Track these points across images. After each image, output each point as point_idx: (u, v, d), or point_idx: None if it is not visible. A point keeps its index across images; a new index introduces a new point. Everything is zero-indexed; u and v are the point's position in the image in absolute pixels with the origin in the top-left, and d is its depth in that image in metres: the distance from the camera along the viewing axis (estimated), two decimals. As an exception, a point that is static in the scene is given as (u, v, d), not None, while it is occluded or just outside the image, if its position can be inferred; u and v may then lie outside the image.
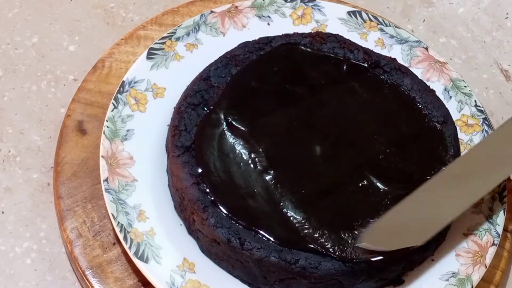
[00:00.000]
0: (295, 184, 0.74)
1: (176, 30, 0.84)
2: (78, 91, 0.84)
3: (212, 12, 0.86)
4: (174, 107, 0.79)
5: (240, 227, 0.72)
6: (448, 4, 0.99)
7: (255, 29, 0.86)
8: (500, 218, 0.78)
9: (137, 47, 0.87)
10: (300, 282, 0.72)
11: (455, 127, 0.79)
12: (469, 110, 0.84)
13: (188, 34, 0.85)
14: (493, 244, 0.76)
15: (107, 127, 0.78)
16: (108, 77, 0.85)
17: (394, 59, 0.83)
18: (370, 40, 0.87)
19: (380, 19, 0.88)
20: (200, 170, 0.74)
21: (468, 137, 0.82)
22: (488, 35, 0.97)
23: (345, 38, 0.83)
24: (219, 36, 0.85)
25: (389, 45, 0.87)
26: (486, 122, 0.83)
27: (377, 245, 0.71)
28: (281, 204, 0.73)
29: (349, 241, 0.72)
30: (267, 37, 0.82)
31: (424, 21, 0.97)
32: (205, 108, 0.78)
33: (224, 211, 0.72)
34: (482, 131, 0.82)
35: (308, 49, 0.82)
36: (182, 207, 0.75)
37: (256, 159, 0.75)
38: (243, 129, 0.76)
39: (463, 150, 0.81)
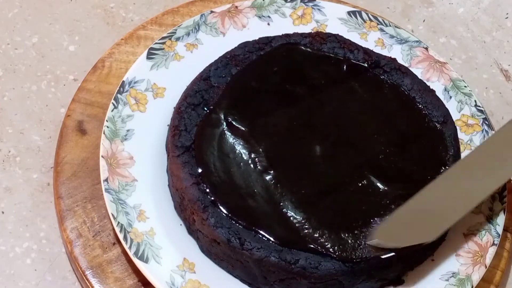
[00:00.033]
0: (295, 184, 0.74)
1: (176, 30, 0.84)
2: (78, 91, 0.84)
3: (212, 12, 0.86)
4: (174, 107, 0.79)
5: (240, 227, 0.72)
6: (448, 4, 0.99)
7: (255, 29, 0.86)
8: (500, 218, 0.78)
9: (137, 47, 0.87)
10: (300, 282, 0.72)
11: (455, 127, 0.79)
12: (469, 110, 0.84)
13: (188, 34, 0.85)
14: (493, 244, 0.76)
15: (107, 127, 0.78)
16: (108, 77, 0.85)
17: (394, 59, 0.83)
18: (370, 40, 0.87)
19: (380, 19, 0.88)
20: (200, 170, 0.74)
21: (468, 137, 0.82)
22: (488, 35, 0.97)
23: (345, 38, 0.83)
24: (219, 36, 0.85)
25: (389, 45, 0.87)
26: (486, 122, 0.83)
27: (389, 243, 0.71)
28: (281, 204, 0.73)
29: (349, 241, 0.72)
30: (267, 37, 0.82)
31: (424, 21, 0.97)
32: (205, 108, 0.78)
33: (224, 211, 0.72)
34: (482, 131, 0.82)
35: (308, 49, 0.82)
36: (182, 207, 0.75)
37: (256, 159, 0.75)
38: (243, 129, 0.76)
39: (463, 150, 0.81)
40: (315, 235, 0.72)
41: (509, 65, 0.95)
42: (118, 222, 0.74)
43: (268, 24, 0.87)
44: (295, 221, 0.72)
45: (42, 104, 0.86)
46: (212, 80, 0.79)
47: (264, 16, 0.87)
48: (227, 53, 0.81)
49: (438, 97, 0.81)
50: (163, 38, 0.84)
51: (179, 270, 0.73)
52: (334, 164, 0.76)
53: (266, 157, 0.75)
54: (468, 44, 0.96)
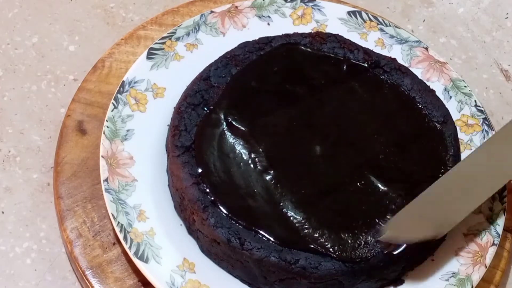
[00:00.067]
0: (295, 184, 0.74)
1: (176, 30, 0.84)
2: (78, 91, 0.84)
3: (212, 12, 0.86)
4: (174, 107, 0.79)
5: (240, 227, 0.72)
6: (448, 4, 0.99)
7: (255, 29, 0.86)
8: (500, 218, 0.78)
9: (137, 47, 0.87)
10: (300, 282, 0.72)
11: (455, 127, 0.79)
12: (469, 110, 0.84)
13: (188, 34, 0.85)
14: (493, 244, 0.76)
15: (107, 127, 0.78)
16: (108, 77, 0.85)
17: (394, 59, 0.83)
18: (370, 40, 0.87)
19: (380, 19, 0.88)
20: (200, 170, 0.74)
21: (468, 137, 0.82)
22: (488, 35, 0.97)
23: (345, 38, 0.83)
24: (219, 36, 0.85)
25: (389, 45, 0.87)
26: (486, 122, 0.83)
27: (400, 237, 0.71)
28: (281, 204, 0.73)
29: (349, 241, 0.72)
30: (267, 37, 0.82)
31: (424, 21, 0.97)
32: (205, 108, 0.78)
33: (224, 211, 0.72)
34: (482, 131, 0.82)
35: (308, 49, 0.82)
36: (182, 207, 0.75)
37: (256, 159, 0.75)
38: (243, 129, 0.76)
39: (463, 150, 0.81)
40: (315, 235, 0.72)
41: (509, 65, 0.95)
42: (118, 222, 0.74)
43: (268, 24, 0.87)
44: (295, 221, 0.72)
45: (42, 104, 0.86)
46: (212, 80, 0.79)
47: (264, 16, 0.87)
48: (227, 53, 0.81)
49: (438, 97, 0.81)
50: (163, 38, 0.84)
51: (179, 270, 0.73)
52: (334, 164, 0.76)
53: (266, 157, 0.75)
54: (468, 44, 0.96)
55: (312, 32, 0.84)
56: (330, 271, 0.71)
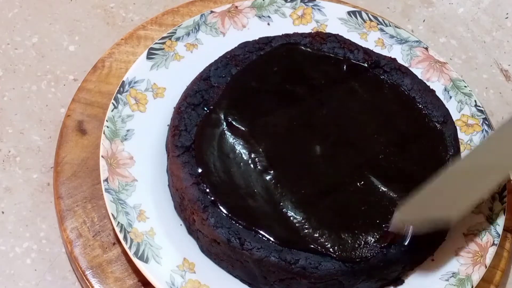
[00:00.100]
0: (295, 184, 0.74)
1: (176, 30, 0.84)
2: (78, 91, 0.84)
3: (212, 12, 0.86)
4: (174, 107, 0.79)
5: (240, 227, 0.72)
6: (448, 4, 0.99)
7: (255, 29, 0.86)
8: (500, 218, 0.78)
9: (137, 47, 0.87)
10: (300, 282, 0.72)
11: (455, 127, 0.79)
12: (469, 110, 0.84)
13: (188, 34, 0.85)
14: (493, 244, 0.76)
15: (107, 127, 0.78)
16: (108, 77, 0.85)
17: (394, 59, 0.83)
18: (370, 40, 0.87)
19: (380, 19, 0.88)
20: (200, 170, 0.74)
21: (468, 137, 0.82)
22: (488, 35, 0.97)
23: (345, 38, 0.83)
24: (219, 36, 0.85)
25: (389, 45, 0.87)
26: (486, 122, 0.83)
27: (407, 226, 0.71)
28: (281, 204, 0.73)
29: (349, 241, 0.72)
30: (267, 37, 0.82)
31: (424, 21, 0.97)
32: (205, 108, 0.78)
33: (224, 211, 0.72)
34: (482, 131, 0.82)
35: (308, 49, 0.82)
36: (182, 207, 0.75)
37: (256, 159, 0.75)
38: (243, 129, 0.76)
39: (463, 150, 0.81)
40: (315, 235, 0.72)
41: (509, 65, 0.95)
42: (118, 222, 0.74)
43: (268, 24, 0.87)
44: (295, 221, 0.72)
45: (42, 104, 0.86)
46: (212, 80, 0.79)
47: (264, 16, 0.87)
48: (227, 53, 0.81)
49: (438, 97, 0.81)
50: (163, 38, 0.84)
51: (179, 270, 0.73)
52: (334, 164, 0.76)
53: (266, 157, 0.75)
54: (468, 44, 0.96)
55: (312, 32, 0.84)
56: (330, 271, 0.71)
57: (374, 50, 0.84)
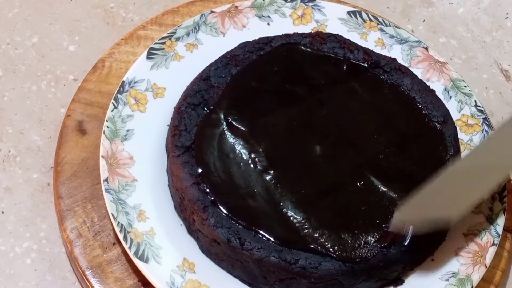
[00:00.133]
0: (295, 184, 0.74)
1: (176, 30, 0.84)
2: (78, 91, 0.84)
3: (212, 12, 0.86)
4: (174, 107, 0.79)
5: (240, 227, 0.72)
6: (448, 4, 0.99)
7: (255, 29, 0.86)
8: (500, 218, 0.78)
9: (137, 47, 0.87)
10: (300, 282, 0.72)
11: (455, 127, 0.79)
12: (469, 110, 0.84)
13: (188, 34, 0.85)
14: (493, 244, 0.76)
15: (107, 127, 0.78)
16: (108, 77, 0.85)
17: (394, 59, 0.83)
18: (370, 40, 0.87)
19: (380, 19, 0.88)
20: (200, 170, 0.74)
21: (468, 137, 0.82)
22: (488, 35, 0.97)
23: (345, 38, 0.83)
24: (219, 36, 0.85)
25: (389, 45, 0.87)
26: (486, 122, 0.83)
27: (407, 225, 0.71)
28: (281, 204, 0.73)
29: (349, 241, 0.72)
30: (267, 37, 0.82)
31: (424, 21, 0.97)
32: (205, 108, 0.78)
33: (224, 211, 0.72)
34: (482, 131, 0.82)
35: (308, 49, 0.82)
36: (182, 207, 0.75)
37: (256, 159, 0.75)
38: (243, 129, 0.76)
39: (463, 150, 0.81)
40: (315, 235, 0.72)
41: (509, 65, 0.95)
42: (118, 222, 0.74)
43: (268, 24, 0.87)
44: (295, 221, 0.72)
45: (42, 104, 0.86)
46: (212, 80, 0.79)
47: (264, 16, 0.87)
48: (227, 53, 0.81)
49: (438, 97, 0.81)
50: (163, 38, 0.84)
51: (179, 270, 0.73)
52: (334, 164, 0.76)
53: (266, 157, 0.75)
54: (468, 44, 0.96)
55: (312, 32, 0.84)
56: (330, 271, 0.71)
57: (374, 50, 0.84)
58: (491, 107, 0.92)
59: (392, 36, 0.87)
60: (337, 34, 0.83)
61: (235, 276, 0.74)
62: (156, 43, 0.83)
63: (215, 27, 0.86)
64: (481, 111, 0.84)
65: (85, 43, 0.90)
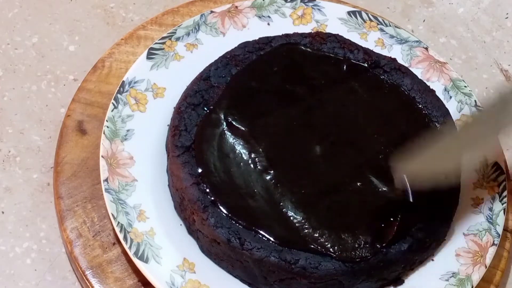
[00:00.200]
0: (295, 184, 0.74)
1: (176, 30, 0.84)
2: (78, 91, 0.84)
3: (212, 12, 0.86)
4: (174, 107, 0.79)
5: (240, 227, 0.72)
6: (448, 4, 0.99)
7: (255, 29, 0.86)
8: (500, 218, 0.78)
9: (137, 47, 0.87)
10: (300, 282, 0.72)
11: (455, 127, 0.79)
12: (469, 110, 0.84)
13: (188, 34, 0.85)
14: (493, 244, 0.76)
15: (107, 127, 0.78)
16: (108, 77, 0.85)
17: (394, 59, 0.83)
18: (370, 40, 0.87)
19: (380, 19, 0.88)
20: (200, 170, 0.74)
21: (468, 137, 0.82)
22: (488, 35, 0.97)
23: (345, 38, 0.83)
24: (219, 36, 0.85)
25: (389, 45, 0.87)
26: (486, 122, 0.83)
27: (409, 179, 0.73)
28: (281, 204, 0.73)
29: (349, 241, 0.72)
30: (267, 37, 0.82)
31: (424, 21, 0.97)
32: (205, 108, 0.78)
33: (224, 211, 0.72)
34: (482, 131, 0.82)
35: (308, 49, 0.82)
36: (182, 207, 0.75)
37: (256, 159, 0.75)
38: (243, 129, 0.76)
39: (463, 150, 0.81)
40: (315, 235, 0.72)
41: (509, 65, 0.95)
42: (118, 222, 0.74)
43: (268, 24, 0.87)
44: (295, 221, 0.72)
45: (42, 104, 0.86)
46: (212, 80, 0.79)
47: (264, 16, 0.87)
48: (227, 53, 0.81)
49: (438, 97, 0.81)
50: (163, 38, 0.84)
51: (179, 270, 0.73)
52: (334, 164, 0.76)
53: (266, 157, 0.75)
54: (468, 44, 0.96)
55: (312, 32, 0.84)
56: (330, 271, 0.71)
57: (374, 50, 0.84)
58: (491, 107, 0.92)
59: (392, 36, 0.87)
60: (337, 34, 0.83)
61: (235, 276, 0.74)
62: (156, 43, 0.83)
63: (215, 27, 0.86)
64: (481, 111, 0.84)
65: (85, 43, 0.90)
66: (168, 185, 0.77)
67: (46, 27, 0.91)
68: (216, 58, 0.81)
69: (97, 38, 0.91)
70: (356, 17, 0.88)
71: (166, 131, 0.79)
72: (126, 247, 0.73)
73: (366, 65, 0.82)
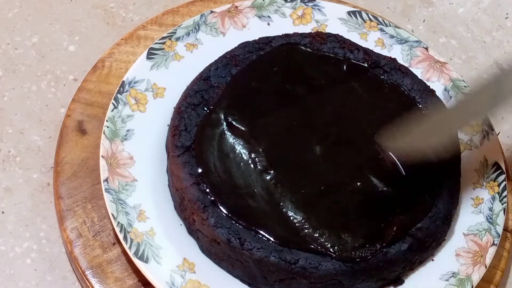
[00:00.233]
0: (295, 184, 0.74)
1: (176, 30, 0.84)
2: (78, 91, 0.84)
3: (212, 12, 0.86)
4: (174, 107, 0.79)
5: (240, 227, 0.72)
6: (448, 4, 0.99)
7: (255, 29, 0.86)
8: (500, 218, 0.78)
9: (137, 47, 0.87)
10: (300, 282, 0.72)
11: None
12: (469, 110, 0.84)
13: (188, 34, 0.85)
14: (493, 244, 0.76)
15: (107, 127, 0.78)
16: (108, 77, 0.85)
17: (394, 59, 0.83)
18: (370, 40, 0.87)
19: (380, 19, 0.88)
20: (200, 170, 0.74)
21: (468, 137, 0.82)
22: (488, 35, 0.97)
23: (345, 38, 0.83)
24: (219, 36, 0.85)
25: (389, 45, 0.87)
26: (486, 122, 0.83)
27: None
28: (281, 204, 0.73)
29: (349, 241, 0.72)
30: (267, 37, 0.82)
31: (424, 21, 0.97)
32: (205, 108, 0.78)
33: (224, 211, 0.72)
34: (482, 131, 0.82)
35: (308, 49, 0.82)
36: (182, 207, 0.75)
37: (256, 159, 0.75)
38: (243, 129, 0.76)
39: (463, 150, 0.81)
40: (315, 235, 0.72)
41: (509, 65, 0.95)
42: (118, 222, 0.74)
43: (268, 24, 0.87)
44: (295, 221, 0.72)
45: (42, 104, 0.86)
46: (212, 80, 0.79)
47: (264, 16, 0.87)
48: (227, 53, 0.81)
49: (438, 97, 0.81)
50: (163, 38, 0.84)
51: (179, 270, 0.73)
52: (334, 164, 0.76)
53: (266, 157, 0.75)
54: (468, 44, 0.96)
55: (312, 32, 0.84)
56: (330, 271, 0.71)
57: (374, 50, 0.84)
58: (491, 107, 0.92)
59: (392, 36, 0.87)
60: (337, 34, 0.83)
61: (235, 276, 0.74)
62: (156, 43, 0.83)
63: (215, 27, 0.86)
64: (481, 111, 0.84)
65: (85, 43, 0.90)
66: (168, 185, 0.77)
67: (46, 27, 0.91)
68: (216, 58, 0.81)
69: (97, 38, 0.91)
70: (356, 17, 0.88)
71: (166, 131, 0.79)
72: (126, 247, 0.73)
73: (366, 65, 0.82)
